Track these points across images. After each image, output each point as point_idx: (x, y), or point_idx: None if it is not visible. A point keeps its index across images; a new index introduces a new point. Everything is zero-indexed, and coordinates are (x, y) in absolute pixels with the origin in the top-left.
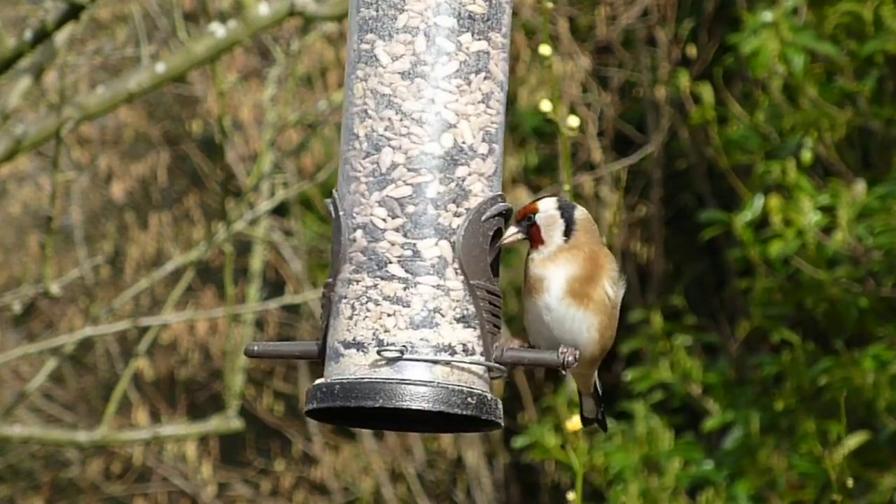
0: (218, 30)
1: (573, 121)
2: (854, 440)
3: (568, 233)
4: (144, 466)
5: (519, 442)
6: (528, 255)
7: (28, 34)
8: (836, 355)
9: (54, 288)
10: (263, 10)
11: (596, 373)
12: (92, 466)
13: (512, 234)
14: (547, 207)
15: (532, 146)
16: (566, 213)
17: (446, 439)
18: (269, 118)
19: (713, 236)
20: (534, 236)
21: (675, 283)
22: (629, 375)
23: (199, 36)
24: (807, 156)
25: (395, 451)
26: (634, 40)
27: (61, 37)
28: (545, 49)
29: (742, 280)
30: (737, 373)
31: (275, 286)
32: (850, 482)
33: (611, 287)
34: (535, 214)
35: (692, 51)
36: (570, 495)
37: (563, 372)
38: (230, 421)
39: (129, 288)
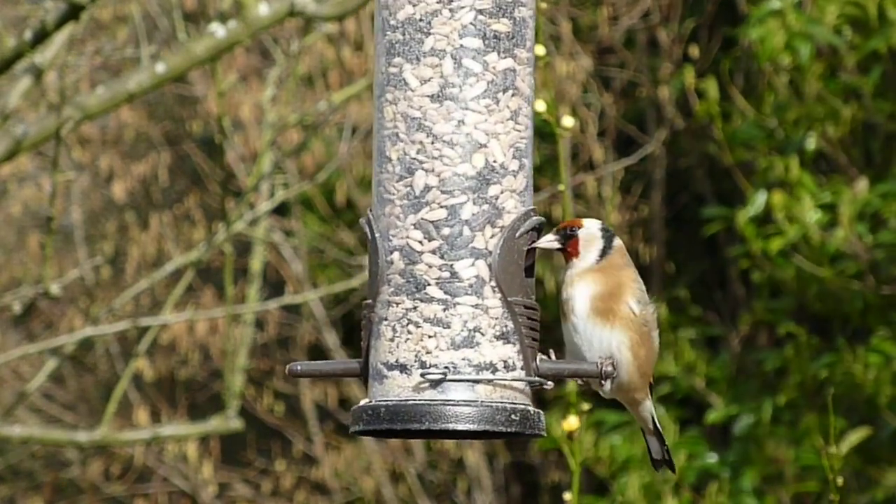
0: (218, 30)
1: (568, 121)
2: (854, 437)
3: (604, 254)
4: (145, 467)
5: None
6: (563, 273)
7: (28, 34)
8: (838, 351)
9: (54, 288)
10: (263, 10)
11: (651, 406)
12: (92, 467)
13: (548, 240)
14: (591, 227)
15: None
16: (607, 236)
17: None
18: (269, 118)
19: (714, 237)
20: (570, 248)
21: (677, 282)
22: None
23: (199, 36)
24: (810, 150)
25: (396, 452)
26: (636, 41)
27: (61, 37)
28: (540, 49)
29: (744, 274)
30: (738, 368)
31: (275, 286)
32: (840, 481)
33: (636, 303)
34: (578, 228)
35: (694, 51)
36: (567, 496)
37: (603, 382)
38: (230, 421)
39: (129, 288)
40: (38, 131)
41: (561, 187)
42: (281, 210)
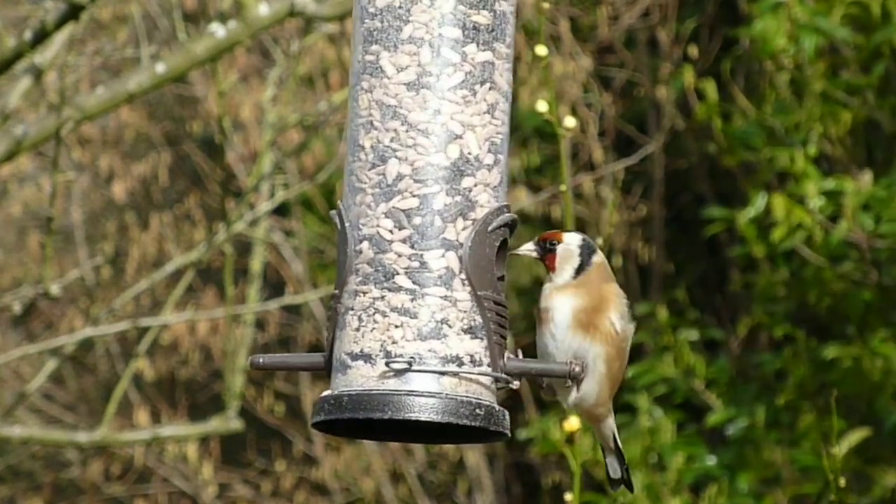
0: (218, 30)
1: (569, 121)
2: (854, 437)
3: (580, 271)
4: (145, 467)
5: (523, 434)
6: (543, 283)
7: (28, 34)
8: (845, 341)
9: (54, 288)
10: (263, 10)
11: (613, 423)
12: (92, 467)
13: (527, 249)
14: (570, 242)
15: (533, 146)
16: (585, 253)
17: None
18: (269, 118)
19: (714, 237)
20: (547, 262)
21: (677, 282)
22: (631, 371)
23: (199, 36)
24: (812, 149)
25: (396, 452)
26: (636, 40)
27: (61, 37)
28: (541, 49)
29: (744, 276)
30: (738, 370)
31: (275, 287)
32: (842, 482)
33: (618, 320)
34: (557, 243)
35: (693, 51)
36: (568, 496)
37: (570, 382)
38: (230, 421)
39: (129, 288)
40: (38, 131)
41: (562, 187)
42: (281, 210)
